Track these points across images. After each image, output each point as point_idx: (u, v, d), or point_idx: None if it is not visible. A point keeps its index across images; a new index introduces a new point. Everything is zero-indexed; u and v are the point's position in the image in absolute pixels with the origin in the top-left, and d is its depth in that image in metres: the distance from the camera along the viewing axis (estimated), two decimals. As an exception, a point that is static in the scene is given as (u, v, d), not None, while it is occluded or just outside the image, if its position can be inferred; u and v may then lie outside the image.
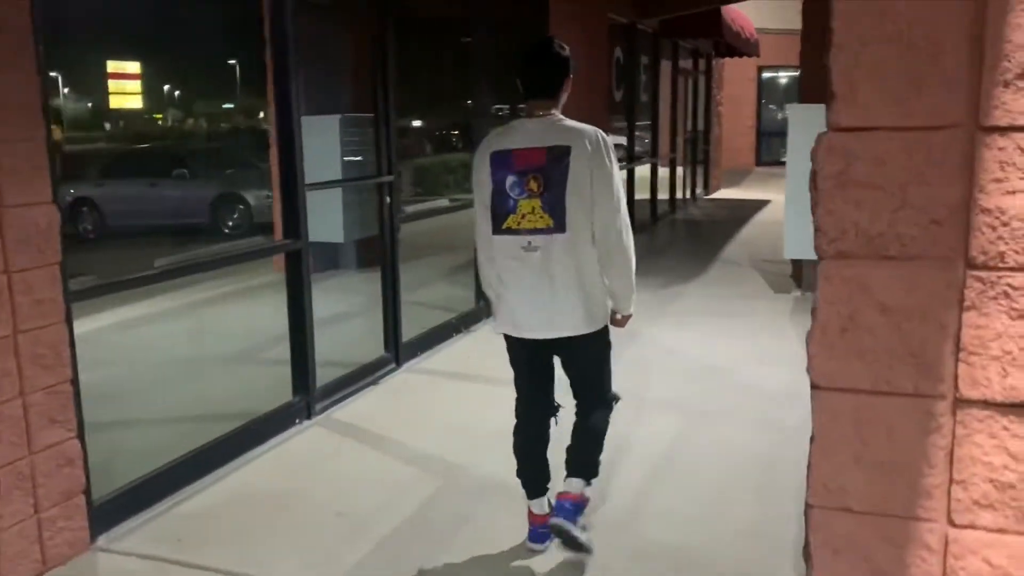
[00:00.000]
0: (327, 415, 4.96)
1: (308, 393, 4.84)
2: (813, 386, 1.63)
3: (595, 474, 3.49)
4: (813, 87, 8.14)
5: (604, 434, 3.48)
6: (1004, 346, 1.47)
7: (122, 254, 12.04)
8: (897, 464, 1.58)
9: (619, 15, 11.25)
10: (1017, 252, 1.44)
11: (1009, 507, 1.52)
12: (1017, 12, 1.39)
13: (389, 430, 4.75)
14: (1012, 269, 1.45)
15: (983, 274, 1.47)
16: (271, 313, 6.97)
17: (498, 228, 3.23)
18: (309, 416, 4.87)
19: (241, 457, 4.38)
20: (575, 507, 3.37)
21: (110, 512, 3.64)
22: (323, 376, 5.21)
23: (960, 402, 1.52)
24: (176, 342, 7.01)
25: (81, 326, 7.31)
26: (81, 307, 7.13)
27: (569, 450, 3.48)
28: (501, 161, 3.17)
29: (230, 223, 13.08)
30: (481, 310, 6.82)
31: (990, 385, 1.49)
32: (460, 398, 5.30)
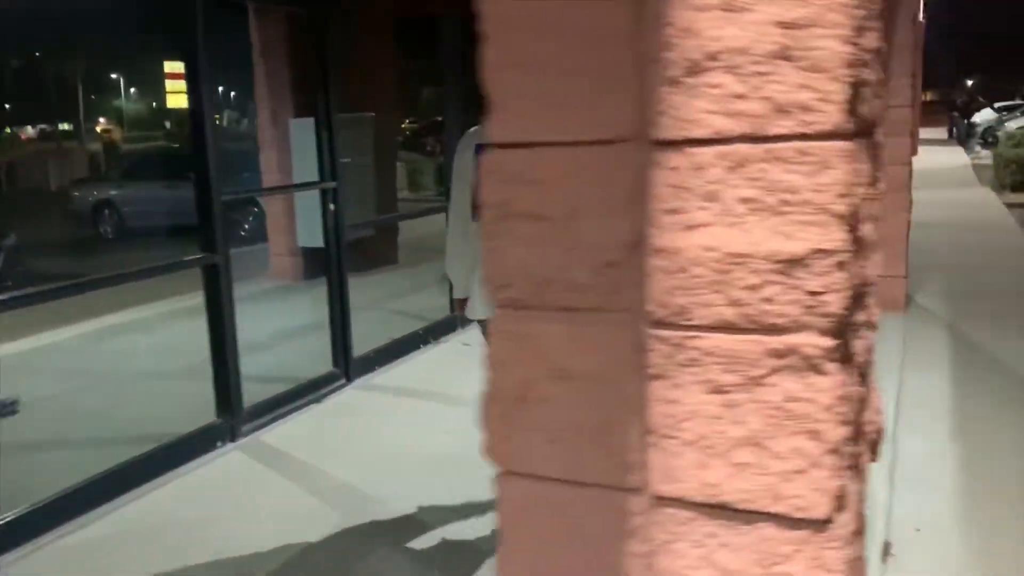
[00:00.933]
0: (254, 437, 4.70)
1: (232, 414, 4.59)
2: (502, 471, 1.29)
3: None
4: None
5: None
6: (699, 428, 1.11)
7: (130, 255, 12.06)
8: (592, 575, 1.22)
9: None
10: (703, 306, 1.08)
11: (723, 638, 1.16)
12: (677, -15, 1.03)
13: (314, 456, 4.47)
14: (698, 328, 1.09)
15: (667, 333, 1.11)
16: (247, 325, 6.76)
17: (475, 215, 3.33)
18: (233, 438, 4.61)
19: (149, 483, 4.14)
20: None
21: (-21, 549, 3.42)
22: (264, 393, 4.97)
23: (657, 499, 1.16)
24: (140, 354, 6.85)
25: (60, 334, 7.29)
26: (62, 314, 7.08)
27: None
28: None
29: (246, 226, 12.99)
30: (456, 319, 6.50)
31: (686, 479, 1.13)
32: (405, 419, 4.98)
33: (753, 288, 1.04)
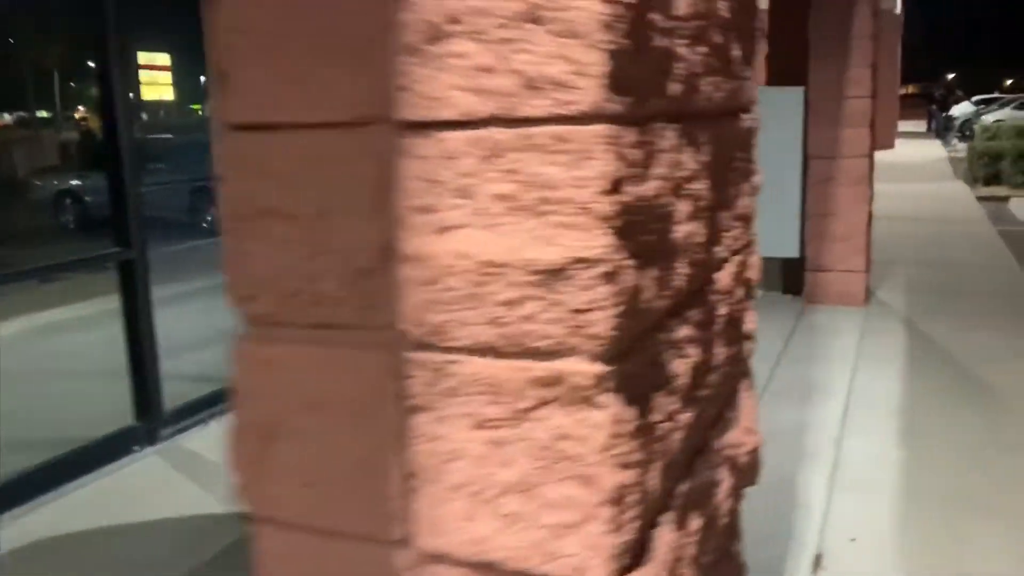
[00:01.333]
0: (174, 441, 4.48)
1: (151, 417, 4.37)
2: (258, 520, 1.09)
3: None
4: (784, 68, 7.47)
5: None
6: (467, 471, 0.92)
7: (84, 246, 11.80)
8: (359, 640, 1.03)
9: None
10: (460, 325, 0.89)
11: None
12: (408, -71, 0.83)
13: (234, 459, 4.26)
14: (458, 350, 0.90)
15: (426, 356, 0.92)
16: (188, 322, 6.52)
17: None
18: (152, 443, 4.39)
19: (59, 489, 3.92)
20: None
21: None
22: (193, 394, 4.74)
23: (423, 555, 0.97)
24: (72, 353, 6.60)
25: (9, 327, 7.03)
26: (20, 305, 6.82)
27: None
28: None
29: (208, 218, 12.78)
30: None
31: (452, 532, 0.94)
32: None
33: (511, 304, 0.85)
